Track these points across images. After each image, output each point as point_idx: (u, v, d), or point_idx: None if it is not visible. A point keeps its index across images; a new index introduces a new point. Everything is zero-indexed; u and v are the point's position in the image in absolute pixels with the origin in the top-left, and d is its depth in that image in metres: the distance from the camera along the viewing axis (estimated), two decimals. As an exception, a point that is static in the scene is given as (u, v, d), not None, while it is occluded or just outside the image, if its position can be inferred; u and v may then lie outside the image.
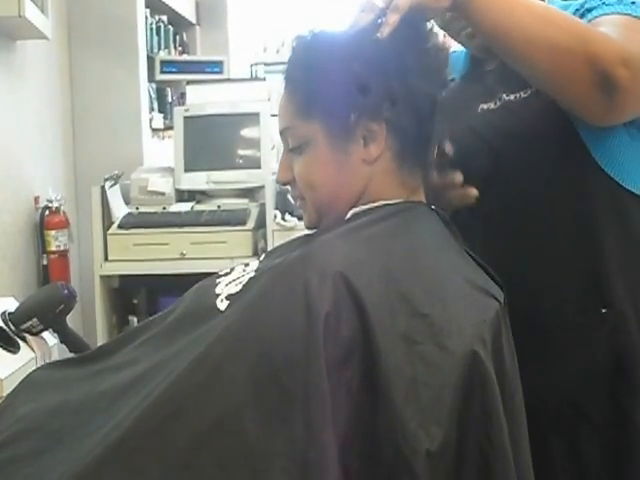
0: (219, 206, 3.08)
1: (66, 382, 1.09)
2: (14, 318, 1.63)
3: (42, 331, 1.66)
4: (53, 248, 2.99)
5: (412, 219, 1.12)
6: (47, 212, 3.00)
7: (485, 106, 1.38)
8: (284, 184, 1.20)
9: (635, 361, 1.27)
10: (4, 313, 1.64)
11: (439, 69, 1.16)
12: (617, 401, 1.27)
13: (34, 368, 1.57)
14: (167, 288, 2.97)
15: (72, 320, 3.10)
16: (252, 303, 0.98)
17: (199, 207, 3.08)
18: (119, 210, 2.99)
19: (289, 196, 2.67)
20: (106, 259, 2.92)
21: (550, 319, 1.30)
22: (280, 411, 0.89)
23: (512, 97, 1.33)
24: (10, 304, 1.71)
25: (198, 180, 3.12)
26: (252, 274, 1.07)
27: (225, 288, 1.06)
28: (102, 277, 2.92)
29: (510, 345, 1.10)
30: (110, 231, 2.92)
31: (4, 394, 1.43)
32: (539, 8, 1.21)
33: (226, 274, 1.11)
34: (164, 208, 3.06)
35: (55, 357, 1.71)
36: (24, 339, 1.63)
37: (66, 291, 1.66)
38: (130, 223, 2.93)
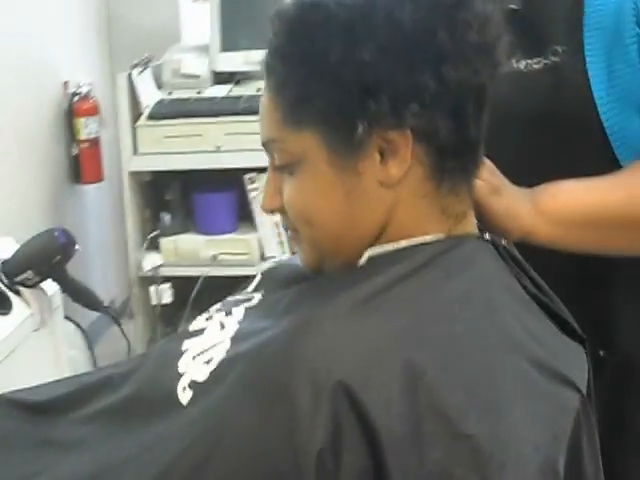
0: (259, 89, 2.85)
1: (6, 444, 0.92)
2: (8, 270, 1.49)
3: (39, 283, 1.53)
4: (83, 137, 2.84)
5: (457, 267, 0.81)
6: (76, 98, 2.84)
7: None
8: (272, 212, 0.88)
9: None
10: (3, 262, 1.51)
11: (487, 47, 0.81)
12: None
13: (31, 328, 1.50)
14: (201, 184, 2.82)
15: (103, 216, 3.03)
16: (220, 419, 0.74)
17: (237, 91, 2.87)
18: (150, 97, 2.80)
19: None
20: (135, 153, 2.76)
21: None
22: None
23: (522, 64, 1.11)
24: (7, 246, 1.57)
25: (236, 61, 2.88)
26: (226, 349, 0.80)
27: (190, 365, 0.81)
28: (131, 173, 2.77)
29: (594, 452, 0.83)
30: (139, 123, 2.75)
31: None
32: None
33: (196, 333, 0.87)
34: (199, 92, 2.86)
35: (56, 307, 1.59)
36: (18, 292, 1.50)
37: (63, 239, 1.52)
38: (161, 113, 2.74)
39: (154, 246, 2.80)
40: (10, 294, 1.48)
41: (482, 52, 0.80)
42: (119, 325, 1.72)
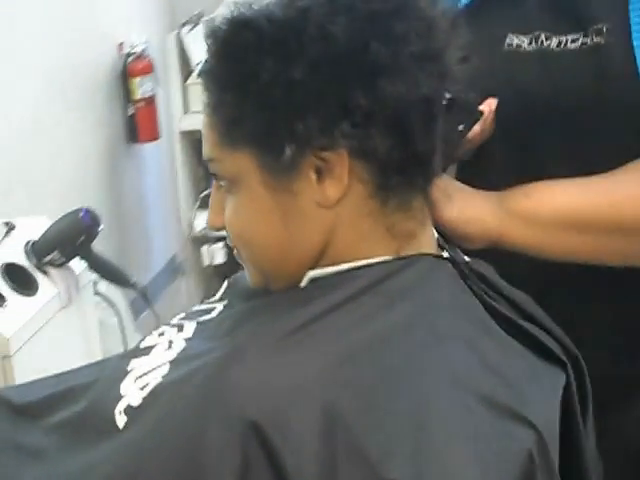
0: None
1: None
2: (36, 251, 1.56)
3: (66, 262, 1.59)
4: (138, 96, 2.87)
5: (402, 292, 0.77)
6: (131, 58, 2.86)
7: (516, 40, 1.00)
8: (217, 230, 0.87)
9: None
10: (28, 244, 1.57)
11: (431, 57, 0.76)
12: None
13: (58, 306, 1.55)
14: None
15: (159, 174, 3.06)
16: (140, 450, 0.74)
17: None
18: (200, 55, 2.80)
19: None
20: (186, 111, 2.78)
21: None
22: None
23: (554, 42, 0.98)
24: (40, 226, 1.63)
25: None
26: (163, 374, 0.79)
27: (131, 387, 0.81)
28: (183, 132, 2.80)
29: None
30: (189, 81, 2.76)
31: (12, 353, 1.40)
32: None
33: (145, 351, 0.86)
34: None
35: (84, 284, 1.65)
36: (46, 272, 1.56)
37: (87, 220, 1.57)
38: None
39: (207, 205, 2.82)
40: (37, 275, 1.54)
41: (424, 62, 0.76)
42: (149, 304, 1.77)
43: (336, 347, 0.73)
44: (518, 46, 1.00)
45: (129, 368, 0.84)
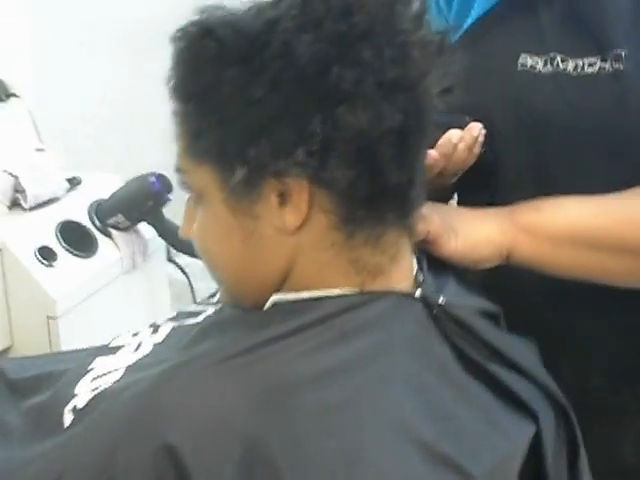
0: None
1: None
2: (100, 212, 1.51)
3: (132, 226, 1.53)
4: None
5: (358, 328, 0.72)
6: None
7: (530, 60, 0.95)
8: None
9: None
10: (93, 204, 1.52)
11: (405, 86, 0.70)
12: None
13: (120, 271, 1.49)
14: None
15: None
16: (68, 454, 0.73)
17: None
18: None
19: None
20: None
21: None
22: None
23: (570, 65, 0.92)
24: (108, 185, 1.57)
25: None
26: (115, 379, 0.78)
27: (85, 388, 0.79)
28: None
29: None
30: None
31: (59, 315, 1.35)
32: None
33: (113, 350, 0.84)
34: None
35: (154, 250, 1.58)
36: (110, 235, 1.51)
37: (157, 186, 1.49)
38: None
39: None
40: (98, 236, 1.49)
41: (394, 92, 0.69)
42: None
43: (272, 379, 0.70)
44: (532, 67, 0.95)
45: (90, 367, 0.82)
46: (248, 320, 0.77)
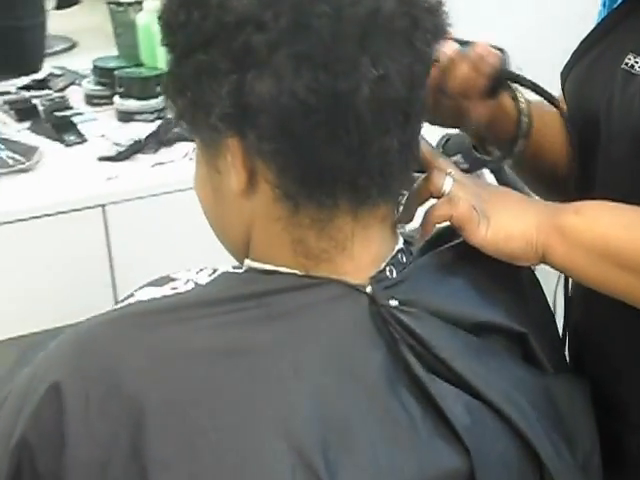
0: None
1: None
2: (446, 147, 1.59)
3: (470, 171, 1.58)
4: None
5: (286, 312, 0.70)
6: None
7: (632, 60, 0.89)
8: None
9: None
10: (442, 138, 1.60)
11: (334, 57, 0.66)
12: None
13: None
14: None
15: None
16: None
17: None
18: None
19: None
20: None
21: None
22: None
23: (630, 61, 0.89)
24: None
25: None
26: None
27: None
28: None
29: None
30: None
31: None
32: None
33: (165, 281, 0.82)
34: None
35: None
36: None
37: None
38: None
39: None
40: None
41: (311, 64, 0.65)
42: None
43: (168, 345, 0.70)
44: (631, 67, 0.90)
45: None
46: (217, 279, 0.76)
